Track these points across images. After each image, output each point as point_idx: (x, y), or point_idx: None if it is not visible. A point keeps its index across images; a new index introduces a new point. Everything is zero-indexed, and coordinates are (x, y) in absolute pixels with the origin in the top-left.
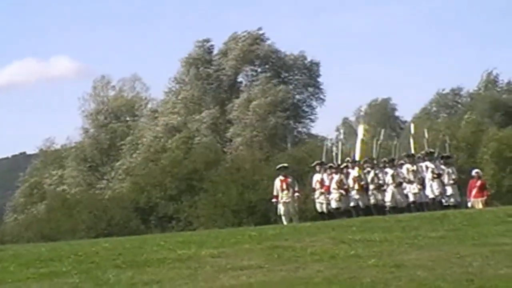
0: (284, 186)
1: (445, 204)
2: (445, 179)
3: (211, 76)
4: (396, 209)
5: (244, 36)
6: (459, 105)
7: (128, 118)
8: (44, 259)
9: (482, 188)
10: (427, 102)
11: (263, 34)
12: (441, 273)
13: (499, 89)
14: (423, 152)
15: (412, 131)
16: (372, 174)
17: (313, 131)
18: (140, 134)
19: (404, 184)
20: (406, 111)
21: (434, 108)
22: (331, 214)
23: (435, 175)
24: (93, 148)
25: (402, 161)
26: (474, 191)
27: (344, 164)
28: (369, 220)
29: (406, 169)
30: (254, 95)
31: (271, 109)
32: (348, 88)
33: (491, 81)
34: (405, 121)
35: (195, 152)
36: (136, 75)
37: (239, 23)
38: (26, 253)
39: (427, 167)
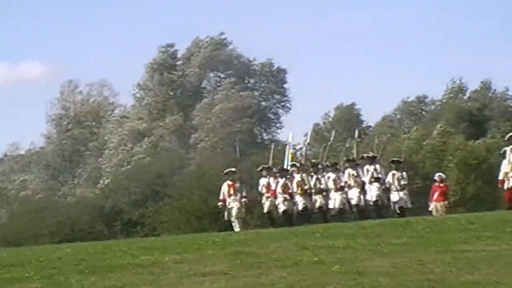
0: (232, 191)
1: (393, 208)
2: (395, 183)
3: (175, 82)
4: (340, 213)
5: (207, 41)
6: (424, 113)
7: (93, 124)
8: (6, 264)
9: (444, 192)
10: (391, 109)
11: (225, 39)
12: (403, 280)
13: (465, 98)
14: (364, 156)
15: (356, 136)
16: (314, 178)
17: (282, 137)
18: (105, 139)
19: (346, 189)
20: (372, 117)
21: (398, 116)
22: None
23: (372, 179)
24: (56, 154)
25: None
26: (436, 195)
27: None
28: (332, 227)
29: (347, 173)
30: (218, 100)
31: (235, 114)
32: (316, 94)
33: (457, 90)
34: (370, 127)
35: (160, 158)
36: (104, 80)
37: (203, 28)
38: None
39: (368, 171)
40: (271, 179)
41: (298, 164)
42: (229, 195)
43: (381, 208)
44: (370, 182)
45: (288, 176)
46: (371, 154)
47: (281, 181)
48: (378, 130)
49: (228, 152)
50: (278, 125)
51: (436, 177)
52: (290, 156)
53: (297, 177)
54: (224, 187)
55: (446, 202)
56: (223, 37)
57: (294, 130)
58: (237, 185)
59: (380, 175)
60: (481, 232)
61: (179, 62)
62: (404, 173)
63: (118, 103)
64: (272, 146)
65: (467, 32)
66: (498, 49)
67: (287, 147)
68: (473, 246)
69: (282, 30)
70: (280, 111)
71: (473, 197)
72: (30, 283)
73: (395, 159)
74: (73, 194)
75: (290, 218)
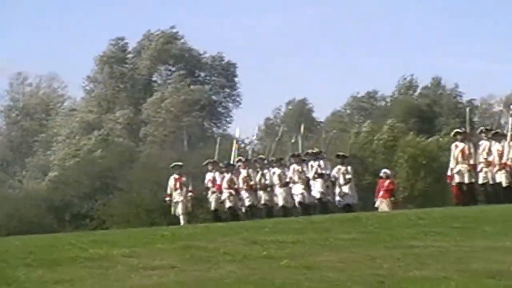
0: (178, 185)
1: (338, 204)
2: (340, 179)
3: (126, 75)
4: (285, 209)
5: (158, 34)
6: (374, 109)
7: (42, 116)
8: None
9: (389, 189)
10: (341, 105)
11: (177, 32)
12: (351, 275)
13: (416, 95)
14: (309, 151)
15: (302, 131)
16: (259, 174)
17: (232, 131)
18: (54, 132)
19: (291, 185)
20: (323, 112)
21: (349, 111)
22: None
23: (316, 175)
24: (5, 145)
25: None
26: (381, 191)
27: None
28: (281, 221)
29: (292, 169)
30: (168, 94)
31: (185, 108)
32: (268, 89)
33: (408, 86)
34: (321, 122)
35: (110, 151)
36: (54, 72)
37: (153, 21)
38: None
39: (312, 167)
40: (217, 174)
41: (244, 159)
42: (175, 189)
43: (325, 205)
44: (314, 178)
45: (234, 171)
46: (315, 149)
47: (227, 176)
48: (328, 125)
49: (178, 146)
50: (228, 119)
51: (381, 174)
52: (236, 150)
53: (243, 173)
54: (171, 181)
55: (392, 198)
56: (174, 30)
57: (245, 125)
58: (183, 179)
59: (324, 171)
60: (429, 228)
61: (129, 55)
62: (349, 168)
63: (67, 95)
64: (218, 140)
65: (418, 29)
66: (449, 47)
67: (234, 141)
68: (422, 241)
69: (233, 24)
70: (230, 105)
71: (423, 194)
72: None
73: (340, 153)
74: (22, 187)
75: (236, 214)
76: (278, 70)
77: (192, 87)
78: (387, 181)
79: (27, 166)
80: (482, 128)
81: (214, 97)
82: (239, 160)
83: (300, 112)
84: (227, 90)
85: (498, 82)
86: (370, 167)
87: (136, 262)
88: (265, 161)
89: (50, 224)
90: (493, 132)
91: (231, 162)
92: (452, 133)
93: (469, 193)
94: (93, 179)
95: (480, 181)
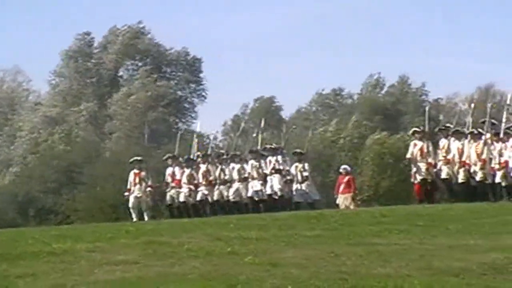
0: (137, 180)
1: (296, 201)
2: (298, 176)
3: (91, 69)
4: (239, 205)
5: (124, 30)
6: (340, 107)
7: (6, 110)
8: None
9: (349, 184)
10: (307, 102)
11: (143, 27)
12: (315, 272)
13: (382, 93)
14: (267, 147)
15: (262, 126)
16: (219, 169)
17: (199, 128)
18: (18, 125)
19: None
20: (290, 109)
21: (314, 108)
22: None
23: (273, 171)
24: None
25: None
26: (341, 187)
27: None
28: (245, 218)
29: (250, 164)
30: (134, 89)
31: (151, 103)
32: (235, 86)
33: (375, 84)
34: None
35: (75, 145)
36: (18, 66)
37: (120, 16)
38: None
39: (270, 162)
40: (177, 169)
41: (202, 154)
42: (135, 184)
43: (283, 200)
44: (271, 174)
45: (195, 167)
46: (274, 145)
47: (187, 171)
48: (294, 122)
49: (142, 142)
50: (193, 114)
51: (341, 170)
52: (196, 146)
53: (203, 167)
54: (131, 176)
55: (351, 194)
56: (141, 25)
57: (211, 121)
58: (143, 173)
59: (282, 167)
60: (393, 225)
61: (96, 50)
62: (306, 165)
63: (32, 89)
64: (178, 135)
65: (387, 28)
66: (416, 45)
67: (195, 136)
68: (385, 239)
69: (201, 21)
70: (196, 100)
71: (388, 192)
72: None
73: (297, 150)
74: None
75: (197, 209)
76: (246, 66)
77: (158, 82)
78: (347, 177)
79: None
80: (441, 126)
81: (179, 93)
82: (199, 156)
83: (267, 109)
84: (193, 85)
85: (466, 80)
86: (336, 164)
87: (100, 257)
88: (225, 156)
89: (14, 218)
90: (452, 130)
91: (191, 157)
92: (411, 131)
93: (429, 191)
94: (58, 174)
95: (443, 175)
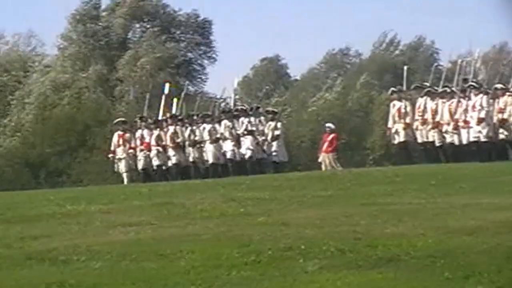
0: (121, 142)
1: (270, 161)
2: (269, 135)
3: (99, 33)
4: (215, 166)
5: None
6: (349, 66)
7: (19, 73)
8: None
9: (332, 142)
10: (317, 62)
11: None
12: (329, 231)
13: (393, 52)
14: (240, 107)
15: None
16: (188, 130)
17: (208, 89)
18: (29, 89)
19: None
20: (298, 69)
21: (324, 69)
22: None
23: (245, 132)
24: None
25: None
26: (325, 146)
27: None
28: (259, 179)
29: (223, 125)
30: (143, 51)
31: (159, 65)
32: (242, 46)
33: (387, 44)
34: (296, 79)
35: (86, 109)
36: (32, 30)
37: None
38: None
39: (242, 123)
40: (146, 131)
41: (169, 116)
42: (118, 146)
43: (256, 162)
44: (243, 135)
45: (165, 129)
46: (246, 106)
47: (156, 132)
48: (304, 82)
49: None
50: (203, 76)
51: (326, 128)
52: (163, 107)
53: (171, 129)
54: (115, 138)
55: (334, 153)
56: None
57: (221, 82)
58: (127, 135)
59: (254, 128)
60: (406, 184)
61: (104, 13)
62: (279, 124)
63: (45, 54)
64: (147, 96)
65: None
66: (431, 7)
67: (174, 97)
68: (399, 198)
69: None
70: (206, 62)
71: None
72: None
73: (269, 109)
74: None
75: (164, 173)
76: (253, 26)
77: (167, 45)
78: (331, 135)
79: (3, 124)
80: (417, 84)
81: (189, 54)
82: (166, 117)
83: (274, 69)
84: (203, 47)
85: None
86: (346, 126)
87: (114, 218)
88: (194, 117)
89: (27, 181)
90: (426, 89)
91: (159, 118)
92: (389, 92)
93: (406, 151)
94: (70, 136)
95: (419, 140)
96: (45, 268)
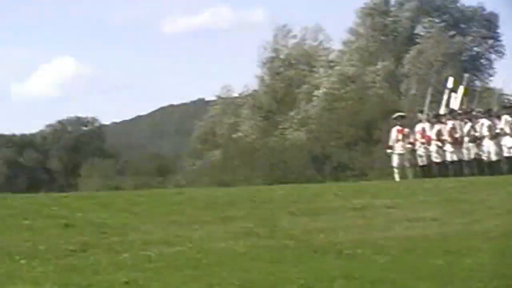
0: (400, 137)
1: None
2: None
3: (387, 27)
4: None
5: None
6: None
7: (305, 67)
8: (221, 203)
9: None
10: None
11: None
12: None
13: None
14: None
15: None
16: (468, 126)
17: (493, 84)
18: (316, 83)
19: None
20: None
21: None
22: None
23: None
24: (269, 96)
25: None
26: None
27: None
28: None
29: (504, 120)
30: (429, 46)
31: (445, 60)
32: None
33: None
34: None
35: (371, 103)
36: (319, 25)
37: None
38: (203, 197)
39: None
40: (427, 125)
41: (448, 111)
42: (397, 141)
43: None
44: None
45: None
46: None
47: (436, 127)
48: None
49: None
50: (490, 71)
51: None
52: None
53: (449, 124)
54: (393, 133)
55: None
56: None
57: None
58: (406, 130)
59: None
60: None
61: (393, 8)
62: None
63: (332, 49)
64: (429, 90)
65: None
66: None
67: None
68: None
69: None
70: (493, 56)
71: None
72: (243, 223)
73: None
74: (284, 137)
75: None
76: None
77: (453, 39)
78: None
79: (290, 117)
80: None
81: (476, 49)
82: (451, 112)
83: None
84: (490, 41)
85: None
86: None
87: (399, 213)
88: (473, 113)
89: (311, 174)
90: None
91: (440, 112)
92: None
93: None
94: (354, 130)
95: None
96: (329, 261)
